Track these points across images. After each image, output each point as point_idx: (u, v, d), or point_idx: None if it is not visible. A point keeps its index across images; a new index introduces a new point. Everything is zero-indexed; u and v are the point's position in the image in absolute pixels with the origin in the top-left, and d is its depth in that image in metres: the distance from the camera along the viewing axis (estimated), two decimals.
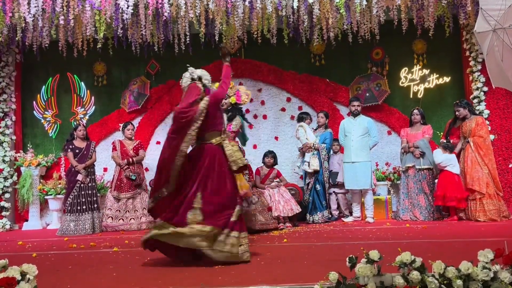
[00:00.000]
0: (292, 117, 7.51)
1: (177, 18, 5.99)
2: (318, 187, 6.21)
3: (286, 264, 3.32)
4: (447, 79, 7.29)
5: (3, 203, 7.10)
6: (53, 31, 5.95)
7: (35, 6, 5.31)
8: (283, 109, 7.56)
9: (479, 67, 6.81)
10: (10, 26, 6.01)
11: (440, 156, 5.91)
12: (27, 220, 7.20)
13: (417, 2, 5.87)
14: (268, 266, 3.26)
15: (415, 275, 2.10)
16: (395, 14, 5.96)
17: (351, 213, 6.42)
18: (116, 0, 5.33)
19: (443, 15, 6.26)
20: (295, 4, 5.50)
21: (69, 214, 6.11)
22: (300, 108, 7.52)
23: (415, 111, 6.33)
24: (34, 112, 7.70)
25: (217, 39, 6.25)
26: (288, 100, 7.60)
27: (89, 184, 6.24)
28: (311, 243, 4.36)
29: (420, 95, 7.33)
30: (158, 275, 3.09)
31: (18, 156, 7.29)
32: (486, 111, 6.75)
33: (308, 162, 6.21)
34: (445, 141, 6.14)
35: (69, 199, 6.16)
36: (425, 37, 6.61)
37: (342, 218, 6.34)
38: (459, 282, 2.07)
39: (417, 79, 7.37)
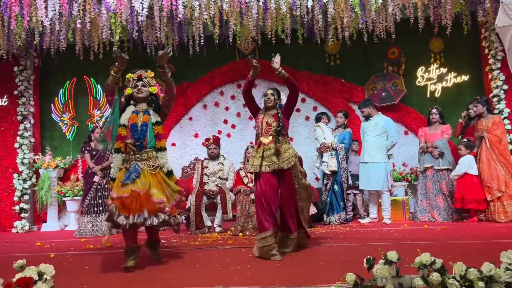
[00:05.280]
0: (307, 118, 7.47)
1: (191, 20, 6.01)
2: (336, 188, 6.14)
3: (302, 265, 3.28)
4: (465, 77, 7.17)
5: (22, 205, 7.22)
6: (70, 35, 6.02)
7: (52, 10, 5.38)
8: (297, 110, 7.51)
9: (499, 65, 6.67)
10: (28, 30, 6.11)
11: (464, 166, 5.78)
12: (45, 222, 7.30)
13: (434, 0, 5.78)
14: (284, 266, 3.23)
15: (435, 276, 2.05)
16: (411, 12, 5.87)
17: (368, 215, 6.33)
18: (132, 2, 5.37)
19: (461, 12, 6.14)
20: (310, 4, 5.46)
21: (86, 215, 6.17)
22: (315, 108, 7.48)
23: (434, 110, 6.22)
24: (52, 115, 7.82)
25: (231, 40, 6.25)
26: (303, 100, 7.56)
27: (106, 186, 6.29)
28: (327, 244, 4.31)
29: (437, 94, 7.22)
30: (174, 275, 3.09)
31: (37, 159, 7.40)
32: (507, 110, 6.61)
33: (326, 163, 6.15)
34: (464, 139, 6.03)
35: (86, 200, 6.23)
36: (442, 35, 6.50)
37: (359, 220, 6.27)
38: (481, 284, 2.01)
39: (434, 78, 7.26)
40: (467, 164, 5.77)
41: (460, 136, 6.32)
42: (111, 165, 6.47)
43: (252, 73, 4.12)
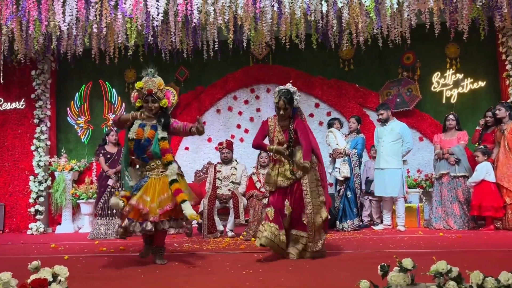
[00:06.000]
0: (321, 123, 7.45)
1: (206, 25, 6.05)
2: (349, 194, 6.09)
3: (315, 270, 3.25)
4: (482, 83, 7.08)
5: (37, 207, 7.32)
6: (86, 39, 6.11)
7: (69, 15, 5.47)
8: (311, 115, 7.49)
9: None
10: (45, 35, 6.22)
11: (482, 173, 5.69)
12: (60, 224, 7.39)
13: (451, 5, 5.71)
14: (296, 272, 3.21)
15: (451, 285, 2.01)
16: (427, 17, 5.82)
17: (382, 222, 6.27)
18: (147, 7, 5.43)
19: (478, 17, 6.07)
20: (324, 9, 5.45)
21: (100, 218, 6.23)
22: (328, 113, 7.45)
23: (451, 116, 6.14)
24: (68, 118, 7.93)
25: (245, 45, 6.28)
26: (317, 105, 7.54)
27: (120, 189, 6.34)
28: (340, 250, 4.27)
29: (453, 100, 7.14)
30: (186, 279, 3.08)
31: (52, 161, 7.51)
32: None
33: (339, 169, 6.11)
34: (480, 146, 5.94)
35: (100, 203, 6.28)
36: (459, 40, 6.43)
37: (372, 226, 6.20)
38: None
39: (450, 83, 7.18)
40: (484, 171, 5.68)
41: (477, 143, 6.23)
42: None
43: (274, 153, 3.92)
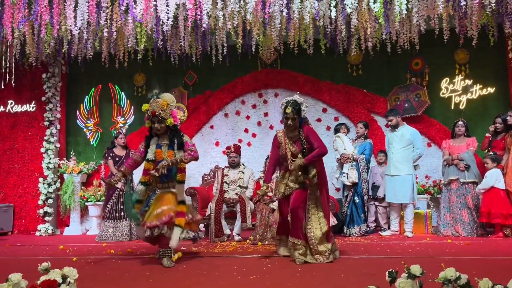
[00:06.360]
0: (328, 128, 7.44)
1: (215, 30, 6.09)
2: (357, 199, 6.07)
3: (322, 276, 3.25)
4: (491, 89, 7.03)
5: (46, 208, 7.38)
6: (96, 43, 6.17)
7: (81, 19, 5.53)
8: (319, 120, 7.49)
9: None
10: (57, 39, 6.30)
11: (491, 180, 5.65)
12: (68, 226, 7.44)
13: (460, 11, 5.69)
14: (303, 277, 3.20)
15: None
16: (436, 23, 5.80)
17: (389, 227, 6.24)
18: (157, 12, 5.48)
19: (487, 23, 6.04)
20: (333, 14, 5.46)
21: (108, 220, 6.26)
22: (336, 118, 7.44)
23: (460, 122, 6.11)
24: (77, 121, 8.00)
25: (253, 50, 6.30)
26: (324, 110, 7.54)
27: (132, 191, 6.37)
28: (348, 255, 4.26)
29: (462, 106, 7.10)
30: (194, 282, 3.09)
31: (62, 163, 7.57)
32: None
33: (347, 174, 6.09)
34: (490, 153, 5.90)
35: (108, 206, 6.32)
36: (468, 46, 6.40)
37: (379, 232, 6.17)
38: None
39: (459, 89, 7.14)
40: (494, 178, 5.64)
41: (486, 150, 6.18)
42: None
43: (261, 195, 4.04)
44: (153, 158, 3.93)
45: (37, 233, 7.18)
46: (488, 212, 5.58)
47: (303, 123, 3.99)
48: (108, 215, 6.27)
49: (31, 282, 2.24)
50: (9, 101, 7.77)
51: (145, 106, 3.96)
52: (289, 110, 3.84)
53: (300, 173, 3.91)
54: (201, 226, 5.32)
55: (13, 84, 6.75)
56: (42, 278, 2.28)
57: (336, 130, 6.53)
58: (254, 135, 7.68)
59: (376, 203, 6.38)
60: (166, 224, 3.74)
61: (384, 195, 6.15)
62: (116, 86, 7.99)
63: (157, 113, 3.85)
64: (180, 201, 3.94)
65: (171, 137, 3.95)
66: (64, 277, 2.34)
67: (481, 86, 7.06)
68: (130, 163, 4.12)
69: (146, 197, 3.99)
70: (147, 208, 3.88)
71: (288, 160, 3.96)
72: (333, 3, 5.33)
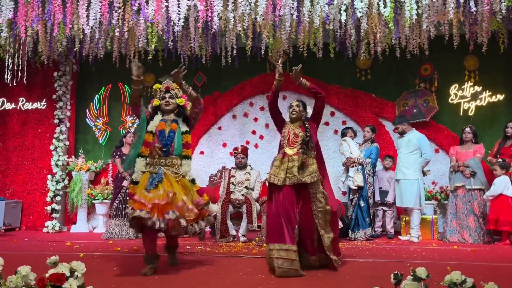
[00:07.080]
0: (336, 132, 7.44)
1: (225, 31, 6.13)
2: (362, 203, 6.06)
3: (327, 278, 3.26)
4: (500, 96, 7.00)
5: (54, 205, 7.45)
6: (108, 43, 6.24)
7: (93, 19, 5.59)
8: (326, 123, 7.50)
9: None
10: (69, 38, 6.37)
11: (500, 187, 5.62)
12: (75, 223, 7.50)
13: (470, 17, 5.69)
14: (309, 279, 3.21)
15: None
16: (446, 29, 5.80)
17: (395, 233, 6.22)
18: (169, 13, 5.53)
19: (498, 30, 6.02)
20: (343, 18, 5.48)
21: (114, 218, 6.30)
22: (344, 122, 7.45)
23: (467, 129, 6.09)
24: (87, 119, 8.07)
25: (263, 52, 6.32)
26: (332, 114, 7.54)
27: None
28: (353, 258, 4.26)
29: (470, 113, 7.07)
30: (200, 280, 3.12)
31: (70, 161, 7.64)
32: None
33: (352, 178, 6.09)
34: (498, 160, 5.87)
35: (115, 204, 6.36)
36: (478, 53, 6.37)
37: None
38: None
39: (468, 96, 7.12)
40: (502, 185, 5.61)
41: (494, 157, 6.15)
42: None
43: (276, 84, 3.95)
44: (153, 130, 3.70)
45: (45, 230, 7.25)
46: (496, 219, 5.55)
47: (307, 119, 4.00)
48: (114, 213, 6.32)
49: (39, 275, 2.27)
50: (20, 98, 7.86)
51: (157, 85, 3.91)
52: (294, 102, 3.97)
53: (301, 80, 3.87)
54: (203, 224, 5.30)
55: (24, 82, 6.84)
56: (51, 271, 2.31)
57: (343, 134, 6.54)
58: (261, 137, 7.70)
59: (385, 208, 6.37)
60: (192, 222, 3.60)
61: (394, 200, 6.15)
62: (125, 86, 8.05)
63: (171, 89, 3.85)
64: (192, 179, 3.72)
65: (177, 115, 3.84)
66: (72, 271, 2.37)
67: (490, 93, 7.03)
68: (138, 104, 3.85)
69: (150, 179, 3.52)
70: (151, 188, 3.43)
71: (290, 141, 3.81)
72: (343, 7, 5.34)
